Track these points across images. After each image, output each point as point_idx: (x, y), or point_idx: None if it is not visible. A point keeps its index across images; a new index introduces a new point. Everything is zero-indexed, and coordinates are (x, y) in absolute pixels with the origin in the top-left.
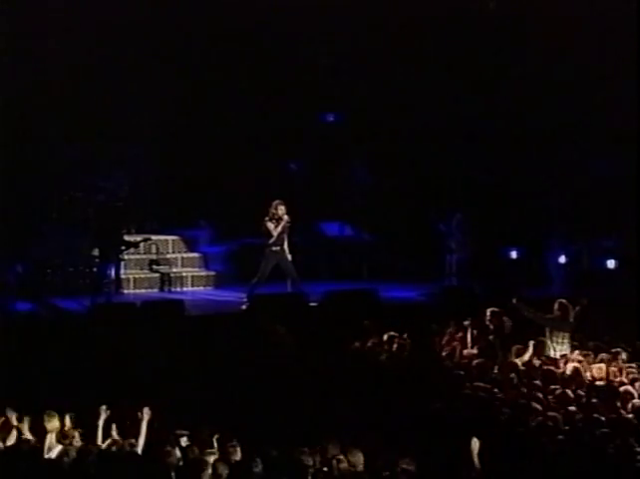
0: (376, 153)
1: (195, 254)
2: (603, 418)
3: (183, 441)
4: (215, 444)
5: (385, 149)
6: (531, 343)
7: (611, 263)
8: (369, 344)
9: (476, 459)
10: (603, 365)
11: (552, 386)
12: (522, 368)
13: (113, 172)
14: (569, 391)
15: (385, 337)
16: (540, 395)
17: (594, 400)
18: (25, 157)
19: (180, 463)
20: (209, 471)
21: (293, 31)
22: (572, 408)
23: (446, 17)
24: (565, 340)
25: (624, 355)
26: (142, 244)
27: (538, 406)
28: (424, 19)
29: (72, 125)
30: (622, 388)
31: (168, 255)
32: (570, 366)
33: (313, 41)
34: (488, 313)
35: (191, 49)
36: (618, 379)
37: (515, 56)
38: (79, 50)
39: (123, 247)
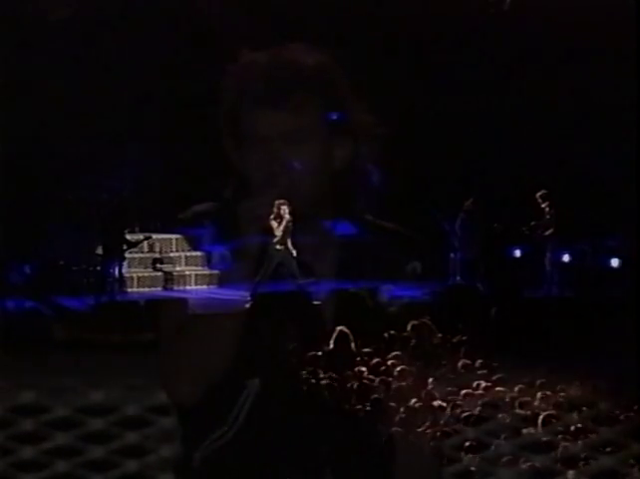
0: (378, 150)
1: (199, 253)
2: None
3: None
4: None
5: (387, 146)
6: None
7: (615, 262)
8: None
9: None
10: None
11: None
12: None
13: (116, 170)
14: None
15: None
16: None
17: None
18: (27, 155)
19: None
20: None
21: (295, 30)
22: None
23: (448, 14)
24: None
25: None
26: (145, 243)
27: None
28: (426, 16)
29: (74, 122)
30: None
31: (172, 254)
32: None
33: (313, 38)
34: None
35: (194, 49)
36: None
37: (517, 55)
38: (81, 47)
39: (124, 247)
